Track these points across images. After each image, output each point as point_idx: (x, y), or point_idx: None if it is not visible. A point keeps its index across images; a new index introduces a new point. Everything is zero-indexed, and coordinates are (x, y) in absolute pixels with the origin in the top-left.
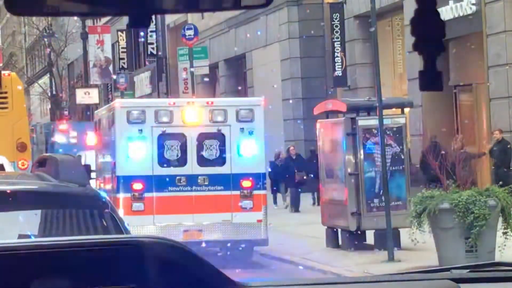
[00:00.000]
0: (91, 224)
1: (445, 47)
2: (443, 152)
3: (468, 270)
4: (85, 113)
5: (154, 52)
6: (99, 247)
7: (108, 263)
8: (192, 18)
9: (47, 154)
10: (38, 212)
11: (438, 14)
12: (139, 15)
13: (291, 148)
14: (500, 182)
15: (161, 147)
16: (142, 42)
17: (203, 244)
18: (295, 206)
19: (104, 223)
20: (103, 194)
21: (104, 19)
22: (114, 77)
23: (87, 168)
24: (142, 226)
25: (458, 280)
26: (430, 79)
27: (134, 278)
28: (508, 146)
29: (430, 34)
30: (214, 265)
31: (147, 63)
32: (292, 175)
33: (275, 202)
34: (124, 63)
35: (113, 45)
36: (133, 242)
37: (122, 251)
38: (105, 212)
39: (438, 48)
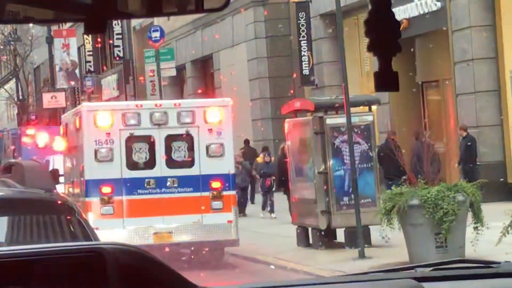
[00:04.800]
0: (58, 229)
1: (410, 45)
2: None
3: (431, 268)
4: (53, 118)
5: (121, 54)
6: (60, 255)
7: (70, 270)
8: (158, 20)
9: (13, 161)
10: (4, 219)
11: (393, 14)
12: (94, 21)
13: (285, 147)
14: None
15: (129, 150)
16: (108, 44)
17: (173, 247)
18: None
19: (72, 228)
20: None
21: (70, 23)
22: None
23: (55, 172)
24: (112, 230)
25: (421, 279)
26: (386, 79)
27: (96, 284)
28: (469, 143)
29: (384, 35)
30: (183, 266)
31: (114, 66)
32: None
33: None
34: (90, 66)
35: (79, 48)
36: (95, 249)
37: (84, 259)
38: (72, 217)
39: (394, 49)
